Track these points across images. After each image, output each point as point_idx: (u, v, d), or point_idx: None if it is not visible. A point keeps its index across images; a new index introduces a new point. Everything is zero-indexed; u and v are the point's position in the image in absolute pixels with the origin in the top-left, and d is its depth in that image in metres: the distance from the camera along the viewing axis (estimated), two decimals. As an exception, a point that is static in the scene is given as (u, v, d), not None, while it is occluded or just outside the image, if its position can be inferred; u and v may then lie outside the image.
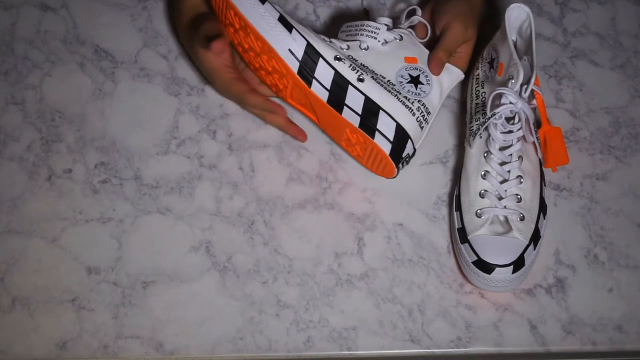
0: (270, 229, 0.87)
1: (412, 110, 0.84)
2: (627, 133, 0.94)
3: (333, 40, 0.86)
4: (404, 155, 0.85)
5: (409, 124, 0.84)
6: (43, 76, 0.95)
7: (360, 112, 0.83)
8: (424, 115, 0.85)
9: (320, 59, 0.83)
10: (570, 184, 0.90)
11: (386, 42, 0.87)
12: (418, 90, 0.86)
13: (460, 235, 0.84)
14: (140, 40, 0.97)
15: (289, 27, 0.83)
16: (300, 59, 0.83)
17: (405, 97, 0.85)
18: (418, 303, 0.84)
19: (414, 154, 0.86)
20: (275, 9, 0.83)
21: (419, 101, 0.85)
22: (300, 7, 1.01)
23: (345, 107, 0.84)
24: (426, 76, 0.86)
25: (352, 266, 0.85)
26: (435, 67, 0.86)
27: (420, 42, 0.88)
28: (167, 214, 0.87)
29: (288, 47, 0.82)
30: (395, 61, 0.86)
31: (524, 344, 0.82)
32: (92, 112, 0.93)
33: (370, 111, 0.83)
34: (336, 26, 0.99)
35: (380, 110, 0.83)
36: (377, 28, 0.87)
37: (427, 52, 0.87)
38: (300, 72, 0.83)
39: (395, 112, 0.84)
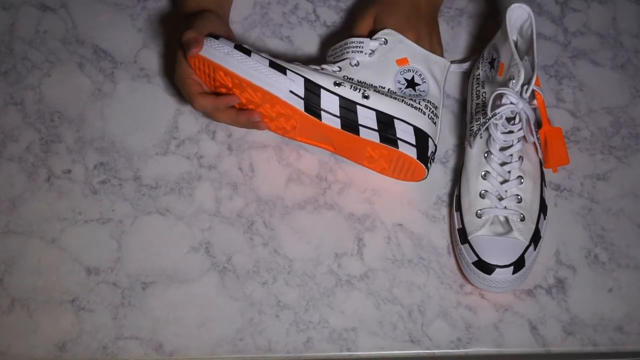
0: (270, 230, 0.86)
1: (421, 109, 0.85)
2: (627, 133, 0.94)
3: (324, 66, 0.86)
4: (429, 155, 0.85)
5: (424, 124, 0.84)
6: (42, 76, 0.95)
7: (376, 127, 0.83)
8: (432, 111, 0.86)
9: (322, 90, 0.83)
10: (570, 184, 0.90)
11: (373, 51, 0.87)
12: (417, 92, 0.86)
13: (461, 235, 0.84)
14: (139, 40, 0.97)
15: (283, 70, 0.82)
16: (303, 96, 0.82)
17: (411, 99, 0.85)
18: (418, 304, 0.83)
19: (436, 150, 0.86)
20: (263, 56, 0.83)
21: (422, 99, 0.86)
22: (300, 7, 1.01)
23: (361, 128, 0.83)
24: (420, 75, 0.87)
25: (352, 267, 0.85)
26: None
27: (405, 38, 0.88)
28: (167, 215, 0.87)
29: (288, 89, 0.82)
30: (388, 67, 0.86)
31: (525, 345, 0.82)
32: (92, 113, 0.93)
33: (385, 123, 0.83)
34: (335, 26, 0.99)
35: (394, 119, 0.83)
36: (360, 42, 0.87)
37: (414, 45, 0.87)
38: (307, 109, 0.83)
39: (408, 117, 0.84)
